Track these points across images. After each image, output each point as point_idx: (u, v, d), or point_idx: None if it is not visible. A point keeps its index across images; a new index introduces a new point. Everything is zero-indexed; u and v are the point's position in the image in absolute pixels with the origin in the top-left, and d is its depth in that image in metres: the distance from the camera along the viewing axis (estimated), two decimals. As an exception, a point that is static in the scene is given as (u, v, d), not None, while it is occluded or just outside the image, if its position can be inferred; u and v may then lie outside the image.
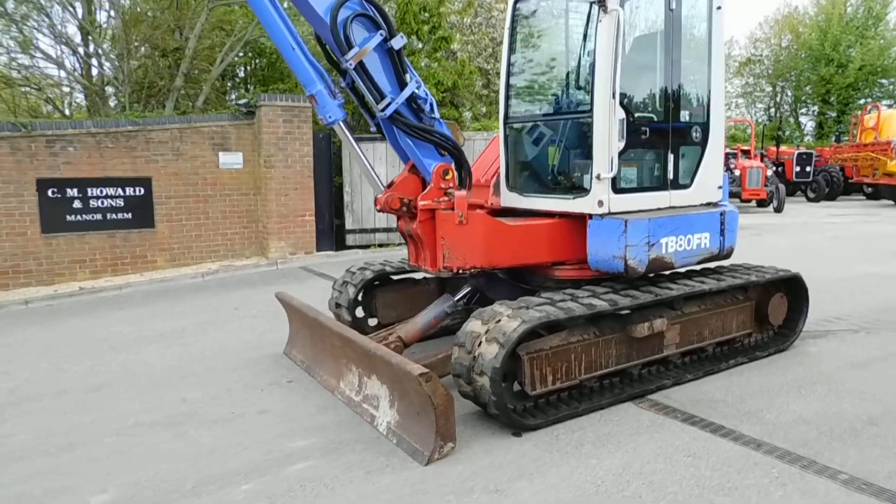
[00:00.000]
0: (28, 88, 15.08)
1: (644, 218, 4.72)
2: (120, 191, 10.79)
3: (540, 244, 5.08)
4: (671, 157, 5.14)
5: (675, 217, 4.92)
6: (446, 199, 4.99)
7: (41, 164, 10.22)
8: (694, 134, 5.28)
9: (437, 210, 4.98)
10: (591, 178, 4.80)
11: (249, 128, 11.55)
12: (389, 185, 5.19)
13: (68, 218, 10.47)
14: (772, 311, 5.73)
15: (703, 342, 5.29)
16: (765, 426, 4.28)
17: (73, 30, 13.39)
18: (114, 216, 10.77)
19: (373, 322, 6.30)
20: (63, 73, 14.62)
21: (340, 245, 12.35)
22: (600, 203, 4.79)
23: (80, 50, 13.74)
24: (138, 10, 13.25)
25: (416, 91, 4.98)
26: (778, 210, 18.20)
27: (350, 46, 4.71)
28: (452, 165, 5.13)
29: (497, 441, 4.15)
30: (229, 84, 15.69)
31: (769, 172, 18.65)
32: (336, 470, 3.84)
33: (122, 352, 6.64)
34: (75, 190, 10.48)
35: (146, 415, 4.87)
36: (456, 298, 5.52)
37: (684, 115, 5.21)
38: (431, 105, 5.13)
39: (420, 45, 13.44)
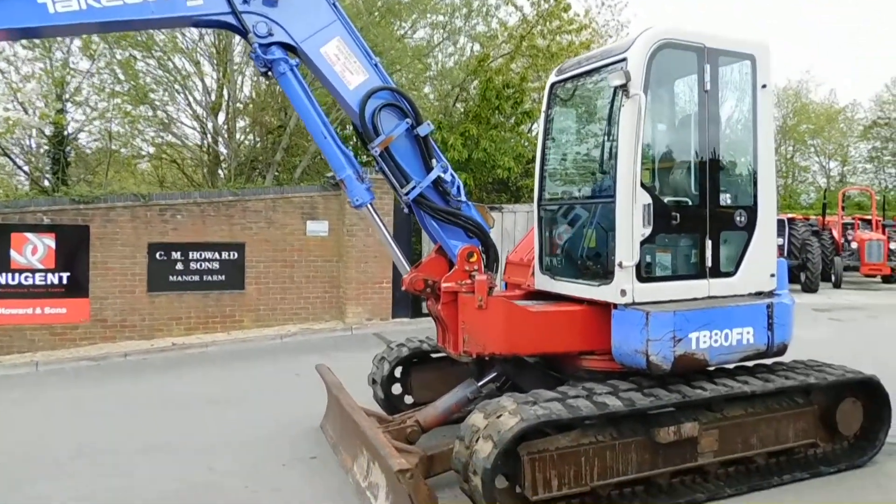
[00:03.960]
0: (162, 159, 16.93)
1: (669, 310, 4.39)
2: (216, 255, 11.61)
3: (564, 332, 4.84)
4: (709, 242, 4.77)
5: (708, 309, 4.53)
6: (469, 282, 4.92)
7: (153, 230, 11.27)
8: (738, 218, 4.89)
9: (459, 293, 4.91)
10: (615, 265, 4.55)
11: (336, 198, 12.13)
12: (417, 265, 5.21)
13: (170, 278, 11.38)
14: (841, 419, 5.04)
15: (749, 451, 4.73)
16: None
17: (200, 110, 14.84)
18: (209, 278, 11.58)
19: (409, 400, 6.23)
20: (190, 146, 16.19)
21: (417, 312, 12.46)
22: (623, 292, 4.51)
23: (209, 126, 15.21)
24: (246, 94, 14.68)
25: (442, 175, 5.02)
26: (907, 288, 16.33)
27: (378, 134, 4.88)
28: (479, 248, 5.08)
29: (487, 548, 3.89)
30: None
31: (893, 245, 16.83)
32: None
33: (184, 412, 7.00)
34: (178, 253, 11.41)
35: (173, 482, 5.07)
36: (479, 384, 5.35)
37: (725, 199, 4.85)
38: (458, 188, 5.15)
39: (502, 120, 13.66)
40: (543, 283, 5.39)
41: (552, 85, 5.46)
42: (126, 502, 4.75)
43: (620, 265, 4.49)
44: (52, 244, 10.67)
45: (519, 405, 4.10)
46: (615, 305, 4.60)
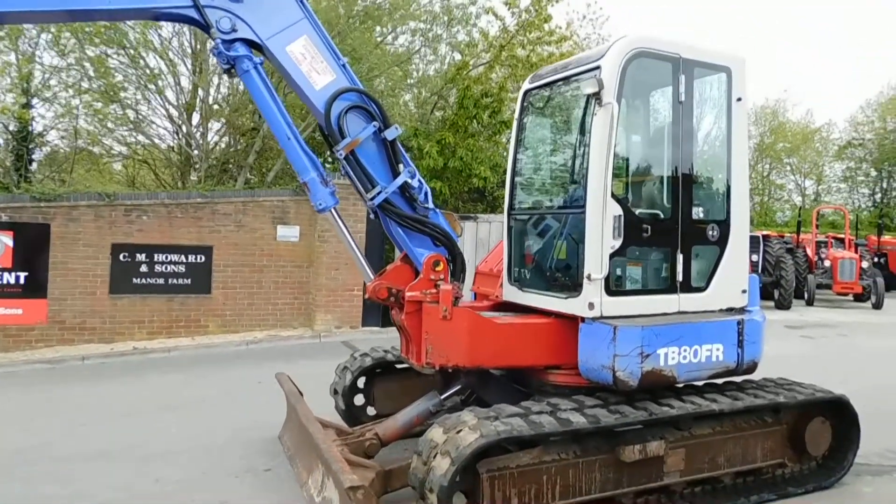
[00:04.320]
0: (133, 159, 16.53)
1: (637, 325, 4.26)
2: (183, 257, 11.31)
3: (530, 345, 4.70)
4: (681, 256, 4.67)
5: (678, 325, 4.41)
6: (434, 291, 4.76)
7: (118, 230, 10.94)
8: (710, 232, 4.79)
9: (423, 302, 4.75)
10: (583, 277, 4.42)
11: (308, 203, 11.82)
12: (381, 273, 5.05)
13: (134, 280, 11.04)
14: (810, 439, 4.94)
15: (716, 471, 4.61)
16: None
17: (173, 111, 14.50)
18: (175, 281, 11.26)
19: (372, 412, 6.03)
20: (161, 147, 15.81)
21: (387, 321, 12.25)
22: (591, 305, 4.38)
23: (183, 128, 14.85)
24: (222, 95, 14.38)
25: (409, 181, 4.86)
26: (876, 306, 16.48)
27: (343, 136, 4.71)
28: (445, 256, 4.92)
29: (442, 571, 3.70)
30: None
31: (865, 264, 17.02)
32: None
33: (139, 419, 6.72)
34: (143, 255, 11.09)
35: (118, 492, 4.83)
36: (442, 397, 5.18)
37: (697, 213, 4.76)
38: (426, 194, 4.99)
39: (480, 129, 13.56)
40: (511, 294, 5.25)
41: (526, 92, 5.35)
42: (64, 515, 4.49)
43: (589, 278, 4.36)
44: (10, 242, 10.30)
45: (480, 420, 3.94)
46: (583, 319, 4.47)
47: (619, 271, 4.54)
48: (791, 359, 9.82)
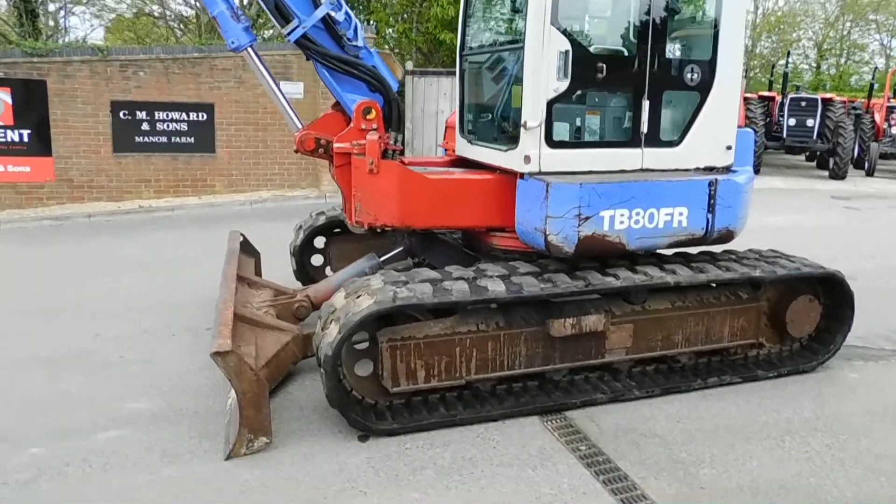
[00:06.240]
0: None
1: (575, 182, 3.62)
2: (184, 115, 10.95)
3: (466, 204, 4.14)
4: (647, 104, 3.89)
5: (629, 184, 3.73)
6: (364, 142, 4.20)
7: (115, 87, 10.60)
8: (689, 75, 3.95)
9: (352, 155, 4.22)
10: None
11: (311, 57, 11.13)
12: (311, 123, 4.50)
13: (137, 139, 10.84)
14: (792, 319, 4.34)
15: (670, 350, 4.11)
16: (688, 489, 3.15)
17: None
18: (178, 140, 11.00)
19: (330, 273, 5.73)
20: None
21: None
22: (527, 159, 3.74)
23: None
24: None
25: (333, 13, 4.15)
26: (946, 180, 14.86)
27: (254, -44, 3.99)
28: (379, 104, 4.30)
29: (332, 445, 3.45)
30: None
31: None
32: (137, 447, 3.40)
33: (112, 276, 6.67)
34: (144, 113, 10.79)
35: (52, 349, 4.74)
36: (381, 259, 4.77)
37: (673, 49, 3.91)
38: (356, 30, 4.29)
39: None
40: (462, 147, 4.64)
41: None
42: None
43: (525, 126, 3.68)
44: (8, 99, 10.12)
45: (385, 285, 3.51)
46: (521, 175, 3.85)
47: (567, 120, 3.84)
48: (821, 231, 8.95)
